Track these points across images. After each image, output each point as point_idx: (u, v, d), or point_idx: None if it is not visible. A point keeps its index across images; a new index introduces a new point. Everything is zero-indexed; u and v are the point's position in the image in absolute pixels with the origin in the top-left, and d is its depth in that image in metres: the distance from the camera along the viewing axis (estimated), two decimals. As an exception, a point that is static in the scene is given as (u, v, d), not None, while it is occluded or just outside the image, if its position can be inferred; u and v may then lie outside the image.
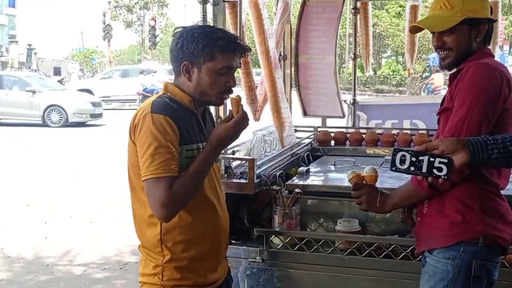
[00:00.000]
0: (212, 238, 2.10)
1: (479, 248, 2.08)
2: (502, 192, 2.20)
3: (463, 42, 2.18)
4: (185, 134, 1.98)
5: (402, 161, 1.88)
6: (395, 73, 33.24)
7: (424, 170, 1.85)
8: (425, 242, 2.20)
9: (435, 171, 1.84)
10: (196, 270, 2.06)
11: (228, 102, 2.21)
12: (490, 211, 2.11)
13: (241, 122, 2.00)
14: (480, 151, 1.84)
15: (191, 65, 2.01)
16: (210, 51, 1.98)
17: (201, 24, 2.23)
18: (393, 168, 1.89)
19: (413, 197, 2.21)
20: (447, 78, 2.35)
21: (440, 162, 1.84)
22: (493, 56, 2.32)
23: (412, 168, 1.87)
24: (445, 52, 2.22)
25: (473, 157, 1.84)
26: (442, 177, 1.84)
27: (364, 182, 2.27)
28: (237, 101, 2.04)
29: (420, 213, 2.24)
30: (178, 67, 2.04)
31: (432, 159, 1.84)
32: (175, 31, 2.07)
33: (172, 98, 2.04)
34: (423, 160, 1.85)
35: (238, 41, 2.06)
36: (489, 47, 2.29)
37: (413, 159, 1.87)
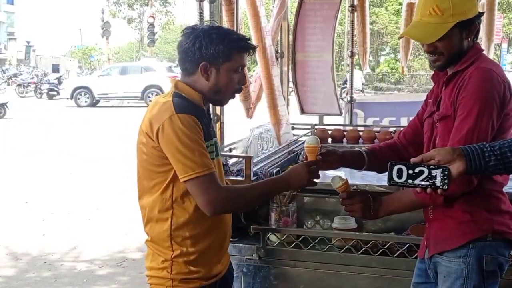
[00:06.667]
0: (218, 231, 2.15)
1: (488, 243, 2.08)
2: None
3: (455, 46, 2.12)
4: (205, 131, 2.04)
5: (399, 175, 1.84)
6: (393, 70, 33.25)
7: (421, 182, 1.84)
8: (435, 246, 2.18)
9: (433, 182, 1.82)
10: (204, 262, 2.10)
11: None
12: (496, 209, 2.11)
13: (315, 172, 2.15)
14: (477, 159, 1.82)
15: (210, 65, 2.06)
16: (229, 52, 2.06)
17: (214, 25, 2.40)
18: (391, 182, 1.87)
19: (415, 207, 2.20)
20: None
21: (437, 173, 1.82)
22: (483, 51, 2.28)
23: (410, 181, 1.84)
24: (435, 56, 2.16)
25: (469, 165, 1.82)
26: (441, 187, 1.82)
27: (314, 159, 2.16)
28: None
29: (427, 219, 2.24)
30: (194, 66, 2.07)
31: (429, 170, 1.83)
32: (185, 31, 2.10)
33: (185, 97, 2.07)
34: (420, 171, 1.84)
35: (249, 41, 2.14)
36: (483, 45, 2.27)
37: (410, 171, 1.83)
